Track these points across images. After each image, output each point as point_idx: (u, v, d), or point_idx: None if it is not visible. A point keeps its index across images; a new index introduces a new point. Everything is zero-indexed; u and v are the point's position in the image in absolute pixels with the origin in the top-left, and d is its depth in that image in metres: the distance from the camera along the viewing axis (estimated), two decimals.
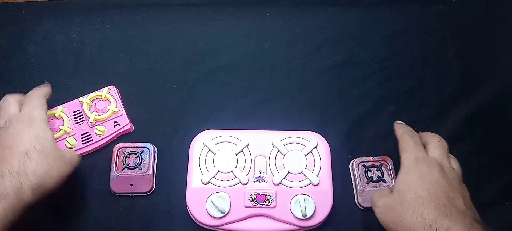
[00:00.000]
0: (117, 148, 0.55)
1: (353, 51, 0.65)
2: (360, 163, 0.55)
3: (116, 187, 0.53)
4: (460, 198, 0.42)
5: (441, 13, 0.68)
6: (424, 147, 0.49)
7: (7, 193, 0.40)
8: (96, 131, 0.56)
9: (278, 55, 0.64)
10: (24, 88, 0.61)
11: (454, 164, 0.48)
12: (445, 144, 0.49)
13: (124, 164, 0.54)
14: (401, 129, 0.52)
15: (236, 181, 0.52)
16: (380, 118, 0.59)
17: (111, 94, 0.58)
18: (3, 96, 0.60)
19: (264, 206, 0.51)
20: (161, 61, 0.63)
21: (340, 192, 0.54)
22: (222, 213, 0.50)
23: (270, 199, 0.51)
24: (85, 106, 0.57)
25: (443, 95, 0.61)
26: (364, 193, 0.53)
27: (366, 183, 0.53)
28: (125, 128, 0.57)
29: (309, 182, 0.52)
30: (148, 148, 0.55)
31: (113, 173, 0.53)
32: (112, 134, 0.56)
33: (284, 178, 0.52)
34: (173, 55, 0.64)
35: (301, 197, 0.51)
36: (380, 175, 0.54)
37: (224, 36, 0.66)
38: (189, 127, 0.57)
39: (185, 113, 0.60)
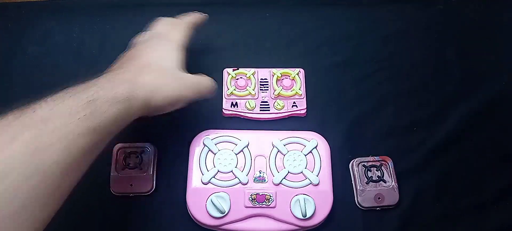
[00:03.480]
0: (117, 148, 0.55)
1: (353, 51, 0.65)
2: (360, 163, 0.55)
3: (116, 187, 0.53)
4: None
5: (441, 13, 0.68)
6: None
7: (122, 99, 0.41)
8: (276, 104, 0.58)
9: (278, 55, 0.64)
10: (24, 88, 0.61)
11: None
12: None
13: (124, 164, 0.53)
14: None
15: (236, 181, 0.52)
16: (380, 118, 0.59)
17: (299, 76, 0.60)
18: (3, 97, 0.60)
19: (264, 206, 0.51)
20: None
21: (340, 192, 0.54)
22: (222, 213, 0.50)
23: (270, 199, 0.51)
24: (274, 79, 0.60)
25: (443, 95, 0.61)
26: (364, 193, 0.53)
27: (366, 183, 0.53)
28: (300, 111, 0.58)
29: (309, 182, 0.52)
30: (148, 148, 0.54)
31: (113, 173, 0.53)
32: (288, 112, 0.58)
33: (284, 178, 0.52)
34: None
35: (301, 197, 0.51)
36: (380, 175, 0.54)
37: (224, 36, 0.66)
38: (189, 127, 0.57)
39: (185, 114, 0.59)
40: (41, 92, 0.61)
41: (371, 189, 0.53)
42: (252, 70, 0.61)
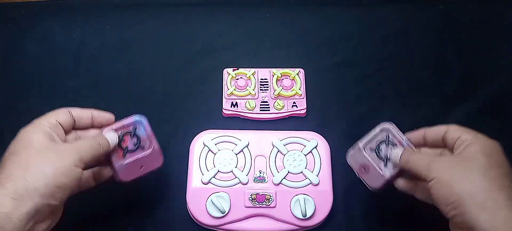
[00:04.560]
0: None
1: (353, 51, 0.65)
2: (386, 130, 0.48)
3: (127, 175, 0.47)
4: None
5: (441, 13, 0.68)
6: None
7: None
8: (276, 104, 0.58)
9: (278, 55, 0.64)
10: (24, 88, 0.61)
11: None
12: None
13: (123, 150, 0.47)
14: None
15: (236, 181, 0.52)
16: (380, 118, 0.59)
17: (299, 76, 0.60)
18: (3, 97, 0.60)
19: (264, 206, 0.51)
20: (161, 61, 0.63)
21: (340, 192, 0.54)
22: (222, 213, 0.50)
23: (270, 199, 0.51)
24: (274, 78, 0.60)
25: (443, 95, 0.61)
26: (360, 152, 0.48)
27: (370, 149, 0.48)
28: (300, 111, 0.58)
29: (309, 182, 0.52)
30: (139, 121, 0.48)
31: (118, 163, 0.46)
32: (288, 112, 0.58)
33: (284, 178, 0.52)
34: (173, 55, 0.64)
35: (301, 197, 0.51)
36: (387, 156, 0.47)
37: (224, 36, 0.66)
38: (189, 127, 0.57)
39: (185, 113, 0.60)
40: (41, 92, 0.61)
41: (367, 156, 0.47)
42: (252, 70, 0.61)
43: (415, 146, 0.46)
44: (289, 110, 0.59)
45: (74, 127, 0.45)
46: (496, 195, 0.36)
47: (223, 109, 0.59)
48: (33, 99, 0.60)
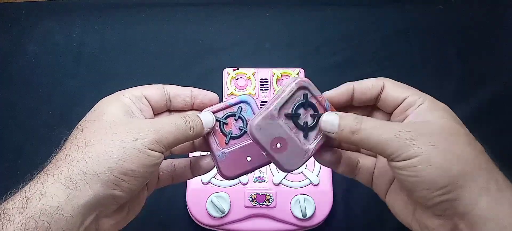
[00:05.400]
0: None
1: (353, 51, 0.65)
2: (303, 88, 0.35)
3: (229, 168, 0.37)
4: None
5: (441, 13, 0.68)
6: None
7: None
8: None
9: (278, 55, 0.64)
10: (24, 88, 0.61)
11: None
12: None
13: (227, 135, 0.38)
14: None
15: (236, 181, 0.52)
16: None
17: (299, 76, 0.60)
18: (3, 97, 0.60)
19: (264, 206, 0.51)
20: (161, 61, 0.63)
21: (340, 192, 0.54)
22: (222, 213, 0.50)
23: (270, 199, 0.51)
24: (274, 78, 0.60)
25: (443, 95, 0.61)
26: (270, 124, 0.33)
27: (284, 115, 0.34)
28: None
29: (309, 182, 0.52)
30: (246, 101, 0.39)
31: (218, 151, 0.37)
32: None
33: (284, 178, 0.52)
34: (173, 55, 0.64)
35: (301, 197, 0.51)
36: (310, 124, 0.34)
37: (224, 36, 0.66)
38: None
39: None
40: (41, 92, 0.61)
41: (282, 126, 0.33)
42: (252, 70, 0.61)
43: (337, 107, 0.36)
44: None
45: (169, 107, 0.37)
46: (496, 174, 0.30)
47: None
48: (33, 99, 0.61)
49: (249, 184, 0.52)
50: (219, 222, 0.50)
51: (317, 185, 0.52)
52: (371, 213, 0.54)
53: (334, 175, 0.54)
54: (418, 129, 0.31)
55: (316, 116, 0.34)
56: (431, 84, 0.62)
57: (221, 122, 0.38)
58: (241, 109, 0.39)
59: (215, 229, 0.51)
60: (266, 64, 0.62)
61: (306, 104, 0.35)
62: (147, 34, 0.66)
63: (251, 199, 0.51)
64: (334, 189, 0.53)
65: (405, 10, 0.68)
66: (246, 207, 0.51)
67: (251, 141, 0.34)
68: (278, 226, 0.51)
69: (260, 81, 0.60)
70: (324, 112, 0.35)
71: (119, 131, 0.31)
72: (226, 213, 0.50)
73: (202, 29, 0.66)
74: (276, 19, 0.68)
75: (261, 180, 0.52)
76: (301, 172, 0.53)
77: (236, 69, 0.61)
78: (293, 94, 0.34)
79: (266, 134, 0.33)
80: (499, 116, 0.60)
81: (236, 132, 0.38)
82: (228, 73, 0.61)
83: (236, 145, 0.38)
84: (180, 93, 0.37)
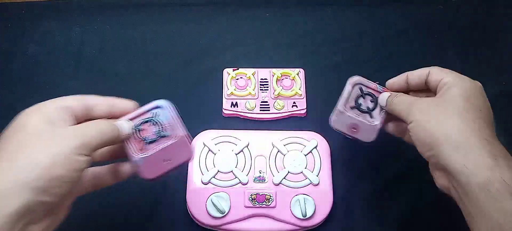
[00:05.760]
0: None
1: (353, 51, 0.65)
2: (358, 84, 0.49)
3: (148, 171, 0.40)
4: None
5: (441, 13, 0.68)
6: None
7: None
8: (276, 104, 0.58)
9: (278, 55, 0.64)
10: (24, 88, 0.61)
11: None
12: None
13: (143, 140, 0.41)
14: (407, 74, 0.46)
15: (236, 181, 0.52)
16: None
17: (299, 76, 0.60)
18: (3, 97, 0.60)
19: (264, 206, 0.51)
20: (161, 61, 0.63)
21: (340, 192, 0.54)
22: (222, 213, 0.50)
23: (270, 199, 0.51)
24: (274, 78, 0.60)
25: None
26: (343, 115, 0.48)
27: (350, 107, 0.48)
28: (300, 111, 0.58)
29: (309, 182, 0.52)
30: (161, 106, 0.42)
31: (136, 157, 0.40)
32: (288, 112, 0.58)
33: (284, 178, 0.52)
34: (173, 55, 0.64)
35: (301, 197, 0.51)
36: (371, 107, 0.48)
37: (224, 36, 0.66)
38: (189, 127, 0.57)
39: (185, 114, 0.59)
40: (41, 92, 0.61)
41: (352, 115, 0.48)
42: (252, 70, 0.61)
43: (397, 91, 0.47)
44: (289, 110, 0.59)
45: (90, 116, 0.38)
46: (469, 136, 0.37)
47: (223, 109, 0.59)
48: (33, 99, 0.60)
49: (249, 184, 0.52)
50: (219, 222, 0.50)
51: (317, 185, 0.52)
52: (371, 213, 0.54)
53: (334, 175, 0.54)
54: (425, 101, 0.42)
55: (374, 100, 0.48)
56: None
57: (137, 129, 0.40)
58: (156, 114, 0.41)
59: (215, 229, 0.51)
60: (266, 64, 0.62)
61: (363, 94, 0.49)
62: (147, 34, 0.66)
63: (251, 199, 0.51)
64: (334, 189, 0.53)
65: (405, 10, 0.68)
66: (246, 207, 0.51)
67: (168, 144, 0.40)
68: (278, 226, 0.51)
69: (260, 81, 0.60)
70: (379, 95, 0.48)
71: (45, 139, 0.32)
72: (226, 213, 0.50)
73: (202, 29, 0.66)
74: (276, 19, 0.68)
75: (261, 180, 0.52)
76: (301, 172, 0.53)
77: (236, 69, 0.61)
78: (351, 92, 0.48)
79: (342, 124, 0.48)
80: (499, 115, 0.60)
81: (152, 137, 0.41)
82: (228, 73, 0.61)
83: (152, 149, 0.40)
84: (100, 102, 0.39)
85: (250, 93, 0.59)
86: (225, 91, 0.59)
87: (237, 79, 0.61)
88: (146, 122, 0.41)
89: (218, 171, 0.53)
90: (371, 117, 0.48)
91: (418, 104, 0.41)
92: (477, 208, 0.35)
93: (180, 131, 0.42)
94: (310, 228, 0.51)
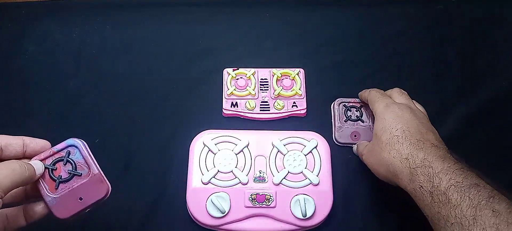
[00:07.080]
0: None
1: (353, 51, 0.65)
2: (341, 103, 0.59)
3: (62, 211, 0.40)
4: (432, 134, 0.46)
5: (441, 13, 0.68)
6: None
7: None
8: (276, 104, 0.58)
9: (278, 55, 0.64)
10: (24, 88, 0.61)
11: (419, 106, 0.52)
12: (405, 92, 0.53)
13: (56, 180, 0.40)
14: (367, 90, 0.56)
15: (236, 181, 0.52)
16: None
17: (299, 76, 0.60)
18: (3, 97, 0.60)
19: (264, 206, 0.51)
20: (161, 61, 0.63)
21: (340, 192, 0.54)
22: (222, 213, 0.50)
23: (270, 199, 0.51)
24: (274, 79, 0.60)
25: (443, 95, 0.61)
26: (342, 130, 0.57)
27: (344, 121, 0.57)
28: (300, 111, 0.59)
29: (309, 182, 0.52)
30: (73, 145, 0.42)
31: (48, 196, 0.40)
32: (288, 112, 0.58)
33: (284, 178, 0.52)
34: (173, 55, 0.64)
35: (301, 197, 0.51)
36: (359, 115, 0.58)
37: (224, 36, 0.66)
38: (189, 127, 0.57)
39: (185, 113, 0.60)
40: (41, 92, 0.61)
41: (348, 126, 0.57)
42: (252, 70, 0.61)
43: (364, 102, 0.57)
44: (289, 110, 0.59)
45: (1, 157, 0.38)
46: (398, 164, 0.44)
47: (223, 109, 0.59)
48: (33, 99, 0.61)
49: (249, 184, 0.52)
50: (219, 222, 0.50)
51: (317, 185, 0.52)
52: (371, 213, 0.54)
53: (334, 175, 0.54)
54: (367, 148, 0.51)
55: (359, 109, 0.58)
56: (431, 84, 0.62)
57: (49, 169, 0.40)
58: (69, 153, 0.41)
59: (215, 229, 0.51)
60: (266, 64, 0.62)
61: (348, 108, 0.58)
62: (147, 34, 0.66)
63: (251, 199, 0.51)
64: (334, 189, 0.53)
65: (405, 10, 0.68)
66: (246, 207, 0.51)
67: (81, 182, 0.40)
68: (278, 226, 0.51)
69: (260, 81, 0.60)
70: (358, 104, 0.59)
71: None
72: (226, 213, 0.50)
73: (202, 29, 0.66)
74: (276, 19, 0.68)
75: (261, 180, 0.52)
76: (301, 172, 0.53)
77: (236, 69, 0.61)
78: (338, 110, 0.58)
79: (345, 137, 0.57)
80: (499, 115, 0.60)
81: (65, 176, 0.40)
82: (228, 73, 0.61)
83: (66, 188, 0.40)
84: (12, 142, 0.38)
85: (250, 93, 0.59)
86: (225, 91, 0.59)
87: (237, 79, 0.61)
88: (60, 160, 0.41)
89: (218, 171, 0.53)
90: (363, 121, 0.57)
91: (365, 151, 0.51)
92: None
93: (94, 169, 0.41)
94: (310, 228, 0.51)
